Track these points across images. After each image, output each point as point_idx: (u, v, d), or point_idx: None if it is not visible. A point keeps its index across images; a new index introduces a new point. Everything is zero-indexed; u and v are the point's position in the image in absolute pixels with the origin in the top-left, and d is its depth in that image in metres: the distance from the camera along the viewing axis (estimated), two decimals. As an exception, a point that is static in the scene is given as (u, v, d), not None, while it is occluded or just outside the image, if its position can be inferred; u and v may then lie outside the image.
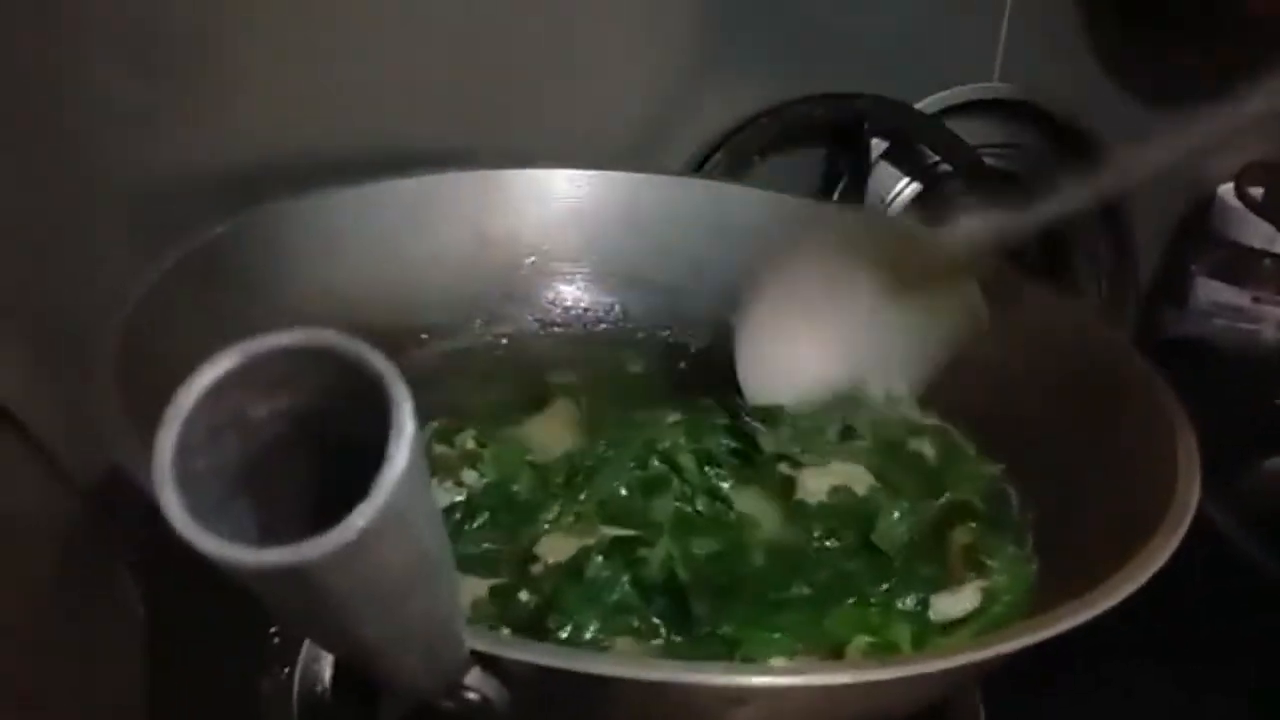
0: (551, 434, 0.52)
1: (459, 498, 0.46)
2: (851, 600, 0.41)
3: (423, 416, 0.21)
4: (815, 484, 0.48)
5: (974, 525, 0.47)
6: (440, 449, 0.48)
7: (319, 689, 0.48)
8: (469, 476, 0.48)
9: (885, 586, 0.42)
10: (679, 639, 0.40)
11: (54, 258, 0.57)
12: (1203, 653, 0.58)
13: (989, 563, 0.44)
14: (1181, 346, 0.96)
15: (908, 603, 0.42)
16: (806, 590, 0.42)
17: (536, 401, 0.54)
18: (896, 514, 0.46)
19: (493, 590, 0.41)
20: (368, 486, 0.20)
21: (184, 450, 0.21)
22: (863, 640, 0.39)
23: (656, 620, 0.40)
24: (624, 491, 0.47)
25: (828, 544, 0.45)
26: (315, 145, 0.61)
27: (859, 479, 0.48)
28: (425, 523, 0.23)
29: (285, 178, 0.58)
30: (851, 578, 0.43)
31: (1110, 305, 0.95)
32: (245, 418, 0.23)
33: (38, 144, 0.55)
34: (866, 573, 0.43)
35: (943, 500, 0.48)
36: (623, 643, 0.39)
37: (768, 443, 0.51)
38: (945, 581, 0.44)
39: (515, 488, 0.47)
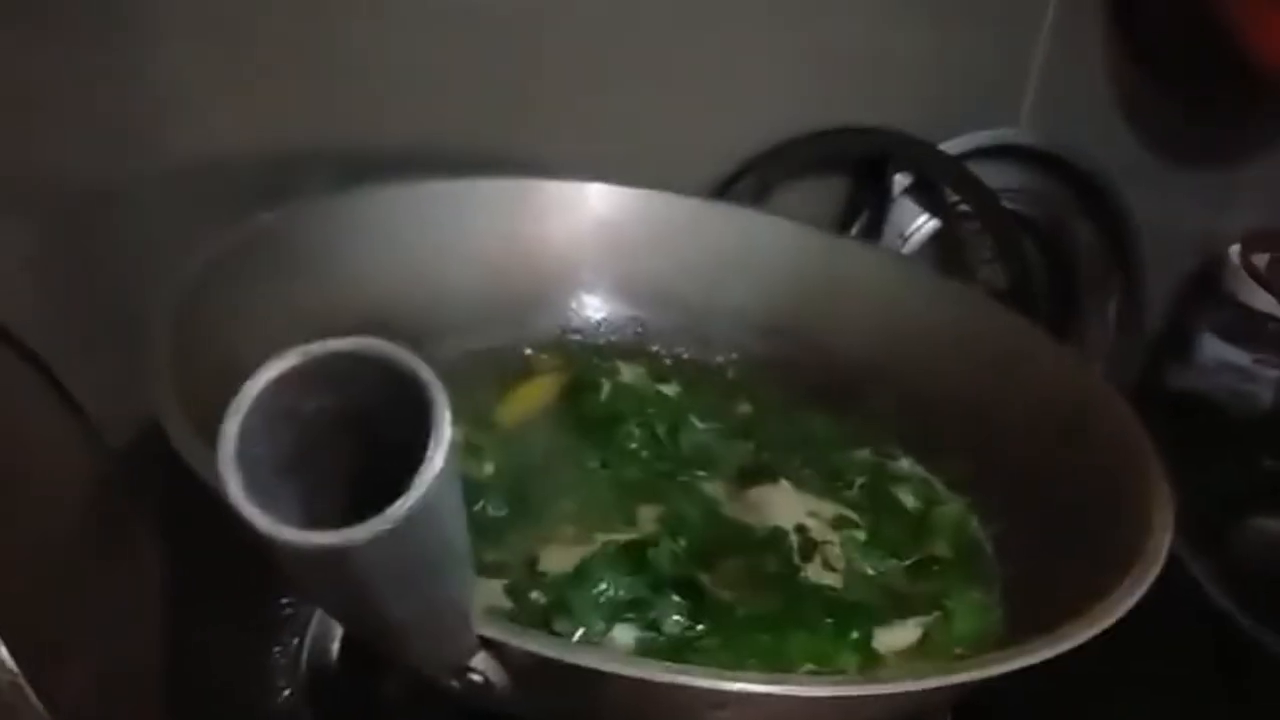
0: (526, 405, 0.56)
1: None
2: (802, 629, 0.43)
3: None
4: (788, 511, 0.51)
5: (938, 570, 0.49)
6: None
7: (327, 659, 0.50)
8: (487, 469, 0.50)
9: (830, 620, 0.44)
10: (704, 627, 0.43)
11: (101, 230, 0.59)
12: (1177, 702, 0.60)
13: (949, 605, 0.47)
14: (1182, 400, 0.98)
15: (853, 634, 0.44)
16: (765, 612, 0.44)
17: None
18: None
19: (506, 588, 0.43)
20: (405, 480, 0.23)
21: (244, 437, 0.23)
22: (809, 668, 0.42)
23: (676, 615, 0.43)
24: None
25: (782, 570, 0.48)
26: (356, 143, 0.63)
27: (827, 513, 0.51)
28: (452, 516, 0.26)
29: (327, 172, 0.60)
30: (802, 607, 0.45)
31: (1117, 356, 0.97)
32: (299, 411, 0.25)
33: (98, 120, 0.57)
34: (815, 603, 0.46)
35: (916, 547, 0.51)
36: (644, 638, 0.42)
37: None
38: (890, 617, 0.46)
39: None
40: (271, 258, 0.50)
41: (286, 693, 0.50)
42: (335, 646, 0.51)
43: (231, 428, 0.23)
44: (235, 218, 0.51)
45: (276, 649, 0.51)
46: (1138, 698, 0.59)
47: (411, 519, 0.23)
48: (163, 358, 0.39)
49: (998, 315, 0.60)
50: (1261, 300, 0.91)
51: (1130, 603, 0.38)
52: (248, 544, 0.23)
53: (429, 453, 0.23)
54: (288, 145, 0.62)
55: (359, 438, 0.26)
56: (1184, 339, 0.99)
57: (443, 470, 0.23)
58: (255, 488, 0.23)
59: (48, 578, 0.49)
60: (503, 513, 0.48)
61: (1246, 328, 0.95)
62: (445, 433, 0.23)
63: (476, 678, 0.32)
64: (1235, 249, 0.87)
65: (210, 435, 0.23)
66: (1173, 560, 0.41)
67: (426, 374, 0.24)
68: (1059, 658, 0.36)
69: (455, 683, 0.33)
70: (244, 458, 0.23)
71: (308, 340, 0.24)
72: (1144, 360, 0.99)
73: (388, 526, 0.22)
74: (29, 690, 0.41)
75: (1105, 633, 0.37)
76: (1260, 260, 0.67)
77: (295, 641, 0.51)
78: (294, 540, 0.22)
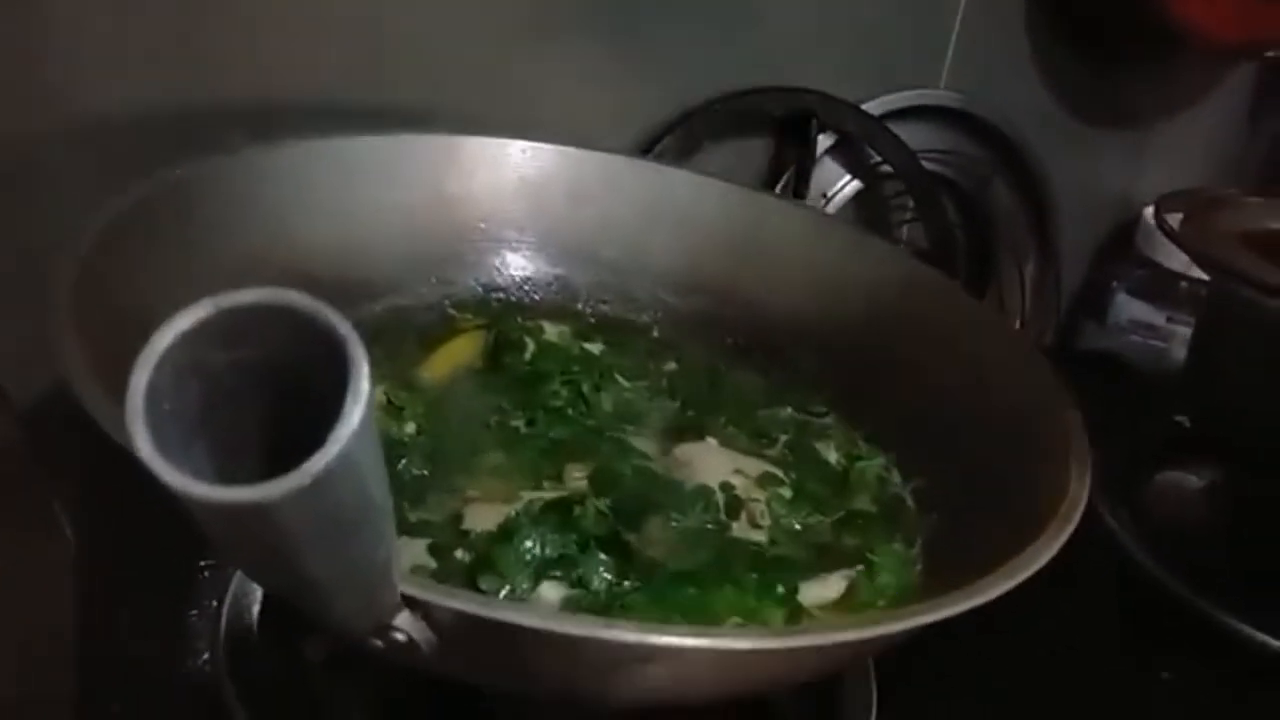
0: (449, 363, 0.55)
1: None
2: (728, 584, 0.44)
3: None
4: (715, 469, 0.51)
5: (862, 524, 0.50)
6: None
7: (246, 622, 0.50)
8: (408, 428, 0.50)
9: (754, 574, 0.45)
10: (631, 583, 0.43)
11: (5, 190, 0.57)
12: (1094, 652, 0.62)
13: (872, 558, 0.47)
14: (1097, 359, 1.00)
15: (778, 589, 0.44)
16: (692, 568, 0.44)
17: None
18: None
19: (430, 548, 0.43)
20: (322, 435, 0.22)
21: (153, 392, 0.23)
22: (736, 622, 0.42)
23: (603, 572, 0.43)
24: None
25: (709, 527, 0.48)
26: (280, 95, 0.62)
27: (752, 470, 0.51)
28: (372, 472, 0.25)
29: (240, 125, 0.58)
30: (728, 563, 0.45)
31: (1034, 316, 0.98)
32: (209, 366, 0.24)
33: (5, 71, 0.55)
34: (742, 559, 0.46)
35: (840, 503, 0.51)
36: (571, 595, 0.42)
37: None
38: (815, 570, 0.46)
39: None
40: (182, 215, 0.49)
41: (205, 656, 0.49)
42: (255, 609, 0.50)
43: (139, 382, 0.22)
44: (148, 176, 0.49)
45: (194, 612, 0.50)
46: (1054, 643, 0.61)
47: (329, 474, 0.22)
48: (65, 316, 0.37)
49: (920, 272, 0.61)
50: (1175, 260, 0.93)
51: (1048, 556, 0.38)
52: (164, 504, 0.23)
53: (346, 408, 0.22)
54: (204, 101, 0.60)
55: (275, 392, 0.25)
56: (1099, 298, 1.02)
57: (360, 425, 0.22)
58: (166, 444, 0.22)
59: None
60: (425, 471, 0.48)
61: (1160, 287, 0.97)
62: (363, 387, 0.23)
63: (400, 637, 0.32)
64: (1150, 210, 0.89)
65: (121, 395, 0.22)
66: (1089, 512, 0.42)
67: (343, 327, 0.23)
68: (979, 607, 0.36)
69: (379, 642, 0.32)
70: (154, 413, 0.22)
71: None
72: (1060, 319, 1.01)
73: (304, 482, 0.22)
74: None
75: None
76: (1174, 220, 0.69)
77: (213, 604, 0.50)
78: (208, 496, 0.22)
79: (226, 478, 0.22)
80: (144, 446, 0.22)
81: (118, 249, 0.43)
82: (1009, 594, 0.37)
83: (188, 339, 0.23)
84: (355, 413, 0.22)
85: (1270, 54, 0.99)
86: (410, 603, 0.31)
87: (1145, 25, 0.87)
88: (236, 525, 0.24)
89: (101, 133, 0.58)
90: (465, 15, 0.67)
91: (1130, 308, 0.99)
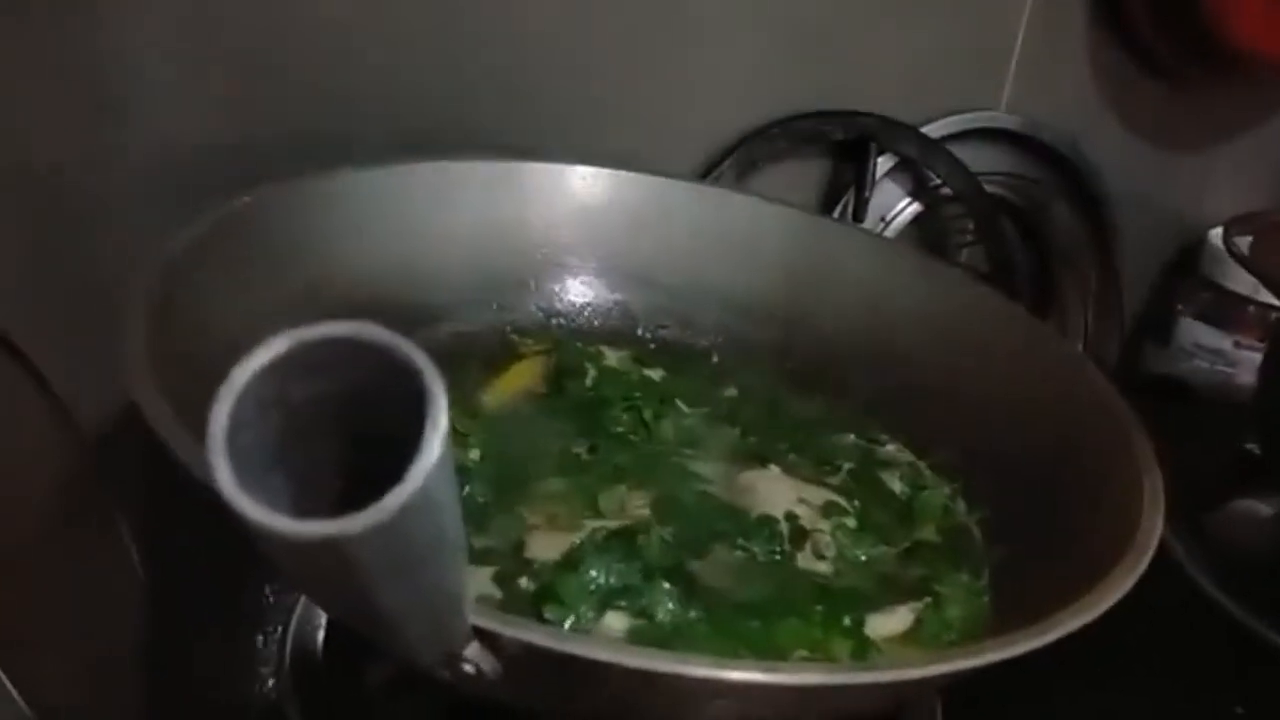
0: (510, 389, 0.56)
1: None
2: (793, 616, 0.43)
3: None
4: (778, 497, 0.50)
5: (928, 555, 0.49)
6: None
7: (311, 647, 0.50)
8: (472, 455, 0.50)
9: (820, 607, 0.44)
10: (695, 615, 0.42)
11: (77, 216, 0.58)
12: (1163, 685, 0.60)
13: (939, 589, 0.46)
14: (1161, 384, 0.98)
15: (845, 621, 0.44)
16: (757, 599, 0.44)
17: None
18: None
19: (495, 576, 0.43)
20: (399, 469, 0.22)
21: (234, 425, 0.23)
22: (801, 654, 0.41)
23: (668, 602, 0.42)
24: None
25: (774, 557, 0.48)
26: (340, 123, 0.62)
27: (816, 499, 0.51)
28: (448, 506, 0.25)
29: (310, 154, 0.59)
30: (793, 594, 0.45)
31: (1096, 339, 0.97)
32: (287, 399, 0.24)
33: (75, 104, 0.56)
34: (806, 590, 0.45)
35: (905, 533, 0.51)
36: (636, 626, 0.42)
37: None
38: (882, 602, 0.46)
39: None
40: (249, 241, 0.49)
41: (270, 682, 0.49)
42: (320, 634, 0.50)
43: (221, 414, 0.22)
44: (213, 203, 0.50)
45: (259, 637, 0.51)
46: (1123, 675, 0.59)
47: (407, 509, 0.22)
48: (139, 343, 0.38)
49: (982, 297, 0.60)
50: (1241, 283, 0.91)
51: (1122, 591, 0.38)
52: (233, 533, 0.23)
53: (425, 441, 0.22)
54: (273, 129, 0.61)
55: (351, 425, 0.26)
56: (1163, 322, 1.00)
57: (439, 460, 0.22)
58: (245, 476, 0.22)
59: (24, 570, 0.49)
60: (489, 498, 0.48)
61: (1226, 311, 0.95)
62: (442, 421, 0.22)
63: (468, 668, 0.32)
64: (1216, 232, 0.88)
65: (189, 423, 0.22)
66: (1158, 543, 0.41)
67: (422, 361, 0.23)
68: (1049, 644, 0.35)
69: (447, 672, 0.32)
70: (234, 445, 0.22)
71: (289, 324, 0.23)
72: (1123, 343, 1.00)
73: (383, 518, 0.22)
74: (8, 684, 0.41)
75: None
76: (1243, 242, 0.67)
77: (279, 630, 0.50)
78: (287, 531, 0.22)
79: (302, 511, 0.22)
80: (225, 480, 0.22)
81: (186, 278, 0.44)
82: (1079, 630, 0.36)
83: (267, 372, 0.23)
84: (434, 446, 0.22)
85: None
86: (479, 633, 0.31)
87: (1210, 46, 0.86)
88: (311, 559, 0.24)
89: (170, 160, 0.58)
90: (526, 40, 0.67)
91: (1195, 332, 0.97)
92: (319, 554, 0.23)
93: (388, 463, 0.23)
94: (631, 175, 0.63)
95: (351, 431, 0.26)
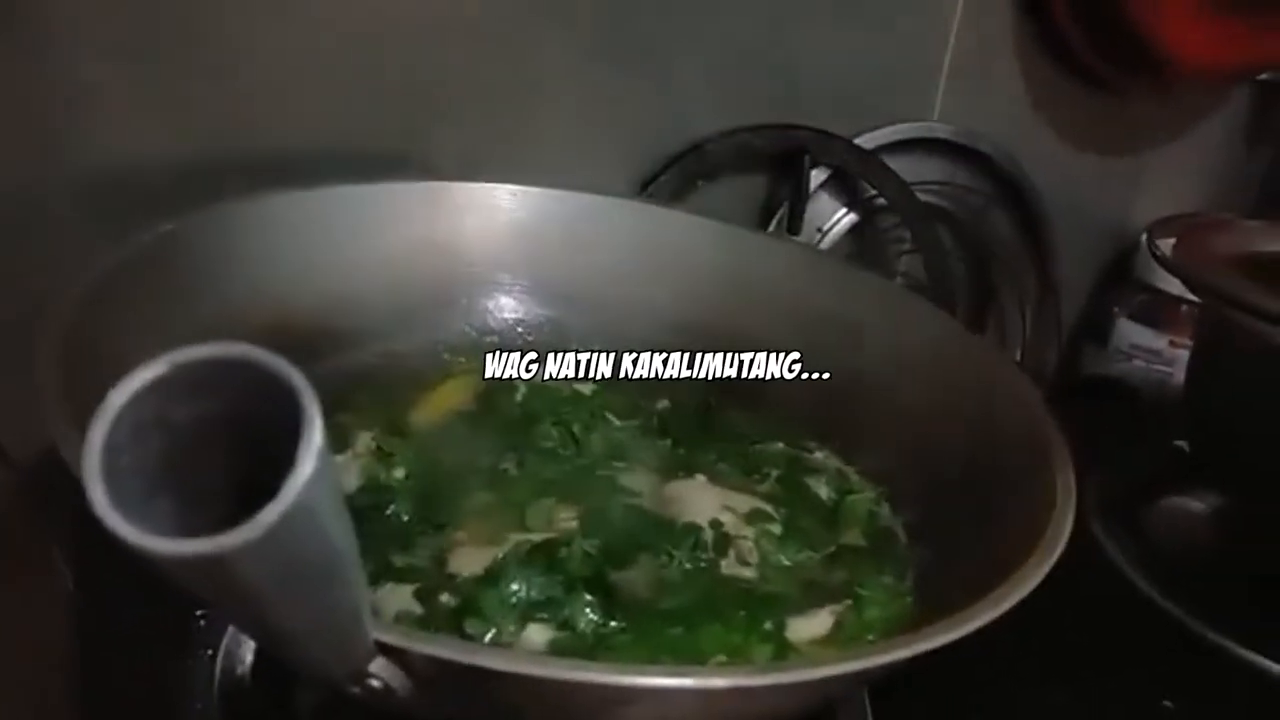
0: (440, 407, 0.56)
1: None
2: (715, 622, 0.44)
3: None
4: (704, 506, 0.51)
5: (851, 559, 0.50)
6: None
7: (240, 671, 0.50)
8: (397, 474, 0.50)
9: (742, 612, 0.45)
10: (617, 624, 0.43)
11: (10, 239, 0.58)
12: (1095, 681, 0.61)
13: (861, 592, 0.47)
14: (1101, 384, 1.00)
15: (766, 625, 0.44)
16: (679, 606, 0.45)
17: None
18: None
19: (416, 592, 0.43)
20: (280, 485, 0.23)
21: (111, 447, 0.23)
22: (721, 659, 0.42)
23: (589, 613, 0.43)
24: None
25: (698, 565, 0.48)
26: (266, 144, 0.62)
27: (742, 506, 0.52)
28: (333, 521, 0.26)
29: (236, 174, 0.59)
30: (716, 601, 0.45)
31: (1035, 343, 0.98)
32: (169, 420, 0.25)
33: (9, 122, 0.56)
34: (730, 596, 0.46)
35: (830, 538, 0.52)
36: (557, 638, 0.42)
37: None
38: (804, 606, 0.46)
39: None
40: (172, 267, 0.49)
41: (199, 705, 0.49)
42: (249, 659, 0.50)
43: (96, 438, 0.23)
44: (141, 227, 0.50)
45: (189, 662, 0.51)
46: (1055, 672, 0.60)
47: (284, 524, 0.23)
48: (53, 373, 0.38)
49: (914, 307, 0.61)
50: (1174, 284, 0.92)
51: (1032, 583, 0.38)
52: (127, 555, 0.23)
53: (298, 459, 0.23)
54: (201, 153, 0.61)
55: (241, 445, 0.26)
56: (1101, 324, 1.02)
57: (313, 475, 0.23)
58: (125, 499, 0.23)
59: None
60: (414, 516, 0.48)
61: (1160, 312, 0.97)
62: (316, 439, 0.23)
63: (376, 684, 0.32)
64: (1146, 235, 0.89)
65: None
66: (1090, 538, 0.41)
67: (296, 379, 0.23)
68: (974, 638, 0.36)
69: (357, 689, 0.32)
70: (111, 468, 0.23)
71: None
72: (1062, 346, 1.01)
73: (257, 533, 0.22)
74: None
75: (1021, 613, 0.37)
76: (1165, 245, 0.69)
77: (208, 654, 0.50)
78: (164, 550, 0.22)
79: (192, 531, 0.23)
80: (99, 501, 0.22)
81: (103, 304, 0.44)
82: (1010, 622, 0.37)
83: (144, 395, 0.24)
84: (307, 463, 0.23)
85: (1263, 76, 1.00)
86: (385, 649, 0.31)
87: (1137, 53, 0.87)
88: (200, 577, 0.25)
89: (92, 186, 0.58)
90: (459, 59, 0.68)
91: (1132, 333, 0.99)
92: (204, 572, 0.24)
93: (276, 482, 0.23)
94: (562, 193, 0.64)
95: (245, 453, 0.26)
